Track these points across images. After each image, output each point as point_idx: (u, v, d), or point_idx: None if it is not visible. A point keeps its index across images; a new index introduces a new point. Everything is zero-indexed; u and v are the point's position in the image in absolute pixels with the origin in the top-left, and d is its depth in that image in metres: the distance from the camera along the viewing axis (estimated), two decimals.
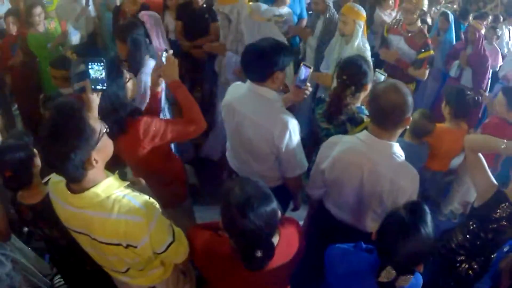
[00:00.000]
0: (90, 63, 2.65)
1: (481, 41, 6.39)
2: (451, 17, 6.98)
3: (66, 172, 2.05)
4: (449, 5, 8.19)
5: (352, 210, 3.00)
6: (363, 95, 3.44)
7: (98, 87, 2.68)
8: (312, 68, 3.32)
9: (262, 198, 2.10)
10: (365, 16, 4.72)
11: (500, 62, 7.40)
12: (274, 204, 2.13)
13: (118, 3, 6.84)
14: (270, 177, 3.31)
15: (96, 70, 2.68)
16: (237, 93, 3.29)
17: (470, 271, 3.25)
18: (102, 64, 2.68)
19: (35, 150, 3.04)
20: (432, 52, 5.50)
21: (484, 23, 7.36)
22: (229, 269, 2.30)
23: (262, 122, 3.08)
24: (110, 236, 2.18)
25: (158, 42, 5.08)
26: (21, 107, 6.74)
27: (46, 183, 2.75)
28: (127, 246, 2.19)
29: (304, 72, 3.30)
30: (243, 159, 3.42)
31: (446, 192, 5.16)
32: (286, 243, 2.29)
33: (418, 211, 2.14)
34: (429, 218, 2.12)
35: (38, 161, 3.00)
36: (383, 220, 2.26)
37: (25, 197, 3.01)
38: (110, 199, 2.14)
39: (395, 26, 5.85)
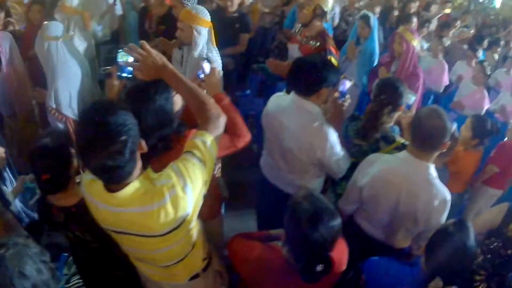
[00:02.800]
0: (120, 50, 2.65)
1: (410, 54, 5.10)
2: (374, 22, 5.84)
3: (118, 169, 1.97)
4: (465, 29, 8.20)
5: (384, 226, 3.10)
6: (397, 115, 3.54)
7: (124, 74, 2.64)
8: (353, 81, 3.43)
9: (331, 213, 2.21)
10: (208, 21, 3.89)
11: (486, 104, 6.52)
12: (340, 220, 2.24)
13: (143, 4, 6.87)
14: (301, 187, 3.34)
15: (125, 58, 2.66)
16: (279, 104, 3.38)
17: None
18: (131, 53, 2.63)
19: (73, 151, 2.75)
20: (333, 59, 4.72)
21: (498, 49, 7.42)
22: (281, 281, 2.36)
23: (303, 134, 3.17)
24: (163, 227, 2.12)
25: None
26: (39, 100, 6.64)
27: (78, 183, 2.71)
28: (182, 222, 2.14)
29: (345, 84, 3.37)
30: (278, 167, 3.51)
31: (460, 212, 5.22)
32: (338, 258, 2.37)
33: (464, 228, 2.43)
34: (472, 234, 2.40)
35: (75, 162, 2.75)
36: (433, 235, 2.53)
37: (58, 199, 2.75)
38: (149, 191, 2.07)
39: (296, 34, 5.45)
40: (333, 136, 3.15)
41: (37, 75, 6.04)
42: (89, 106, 2.03)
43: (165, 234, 2.13)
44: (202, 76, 3.00)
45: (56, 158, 2.60)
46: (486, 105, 6.38)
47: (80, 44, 5.21)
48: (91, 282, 3.00)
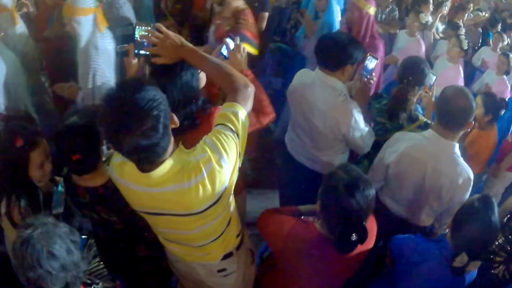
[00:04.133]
0: (137, 27, 2.51)
1: (364, 23, 4.36)
2: None
3: (154, 147, 1.91)
4: (480, 13, 8.12)
5: (409, 204, 3.13)
6: (419, 94, 3.60)
7: (142, 51, 2.53)
8: (379, 60, 3.47)
9: (367, 182, 2.26)
10: (88, 8, 3.66)
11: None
12: (374, 191, 2.28)
13: None
14: (325, 163, 3.45)
15: (143, 35, 2.52)
16: (304, 80, 3.40)
17: (506, 273, 3.38)
18: (149, 28, 2.50)
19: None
20: (247, 45, 3.98)
21: None
22: (314, 254, 2.38)
23: (328, 110, 3.21)
24: (200, 204, 2.09)
25: None
26: (53, 83, 6.50)
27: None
28: (220, 197, 2.11)
29: (371, 62, 3.41)
30: (303, 143, 3.54)
31: (477, 192, 5.18)
32: (371, 230, 2.38)
33: (489, 203, 2.45)
34: (497, 209, 2.44)
35: (103, 141, 2.64)
36: (458, 211, 2.58)
37: (84, 179, 2.66)
38: (185, 168, 2.01)
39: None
40: (358, 112, 3.19)
41: (52, 57, 6.04)
42: (114, 87, 1.95)
43: (204, 211, 2.11)
44: (225, 53, 2.94)
45: (86, 137, 2.49)
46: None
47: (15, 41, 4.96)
48: (113, 264, 3.04)
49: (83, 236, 3.16)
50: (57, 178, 2.86)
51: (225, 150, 2.03)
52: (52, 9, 5.64)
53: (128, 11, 4.68)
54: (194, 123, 2.58)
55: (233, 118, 2.09)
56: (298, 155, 3.67)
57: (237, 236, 2.54)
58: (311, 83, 3.32)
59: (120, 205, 2.48)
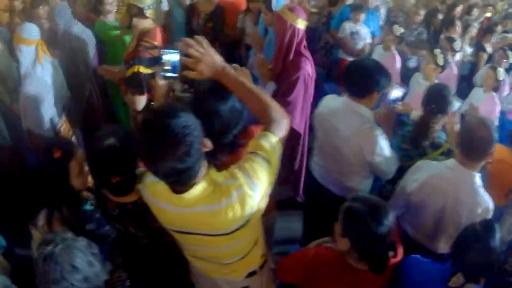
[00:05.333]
0: (164, 50, 2.55)
1: (287, 36, 4.01)
2: (276, 4, 4.81)
3: (187, 171, 1.98)
4: (508, 35, 8.06)
5: (428, 232, 3.18)
6: (443, 121, 3.65)
7: (169, 74, 2.55)
8: (405, 90, 3.51)
9: (384, 204, 2.39)
10: (31, 39, 4.08)
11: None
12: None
13: (189, 1, 6.90)
14: (349, 188, 3.49)
15: (170, 58, 2.55)
16: (331, 105, 3.48)
17: None
18: (176, 52, 2.54)
19: None
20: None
21: None
22: (337, 274, 2.48)
23: (353, 136, 3.28)
24: (230, 224, 2.13)
25: None
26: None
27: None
28: (248, 219, 2.16)
29: (396, 91, 3.49)
30: (328, 168, 3.61)
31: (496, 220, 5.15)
32: (396, 242, 2.51)
33: (490, 228, 2.50)
34: (498, 235, 2.49)
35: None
36: (460, 233, 2.59)
37: (114, 195, 2.70)
38: (216, 190, 2.07)
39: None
40: (383, 139, 3.24)
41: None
42: (150, 112, 2.05)
43: (232, 232, 2.16)
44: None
45: (125, 160, 2.49)
46: None
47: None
48: (136, 276, 3.03)
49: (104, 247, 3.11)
50: (86, 194, 2.92)
51: (257, 177, 2.08)
52: (84, 23, 5.78)
53: None
54: (240, 142, 2.61)
55: (267, 148, 2.14)
56: (323, 179, 3.73)
57: (262, 256, 2.60)
58: (338, 109, 3.40)
59: (148, 222, 2.55)
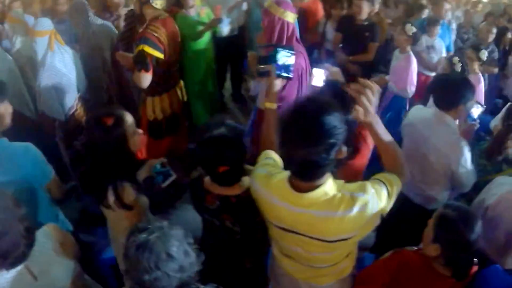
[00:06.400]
0: (279, 49, 2.66)
1: (276, 29, 3.98)
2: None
3: (318, 167, 2.03)
4: None
5: (499, 246, 3.17)
6: None
7: (283, 73, 2.65)
8: (484, 108, 3.67)
9: (473, 213, 2.50)
10: (47, 31, 4.48)
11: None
12: None
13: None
14: (429, 198, 3.64)
15: (284, 57, 2.65)
16: (421, 115, 3.61)
17: None
18: (292, 52, 2.67)
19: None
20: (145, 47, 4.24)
21: None
22: (422, 279, 2.55)
23: (442, 146, 3.39)
24: (335, 234, 2.18)
25: None
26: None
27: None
28: (352, 237, 2.20)
29: (476, 110, 3.62)
30: (412, 176, 3.58)
31: None
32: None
33: None
34: None
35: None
36: None
37: (219, 187, 2.67)
38: (335, 198, 2.11)
39: None
40: (468, 151, 3.33)
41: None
42: (304, 100, 2.05)
43: (334, 242, 2.20)
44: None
45: (235, 150, 2.52)
46: None
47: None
48: (215, 270, 2.93)
49: None
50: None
51: (378, 203, 2.15)
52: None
53: None
54: (354, 149, 2.74)
55: (392, 183, 2.24)
56: (405, 187, 3.65)
57: (351, 267, 2.64)
58: (428, 119, 3.52)
59: (248, 216, 2.63)
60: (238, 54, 7.00)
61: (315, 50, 6.80)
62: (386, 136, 2.29)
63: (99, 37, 5.43)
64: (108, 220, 3.10)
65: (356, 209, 2.09)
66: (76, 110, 4.80)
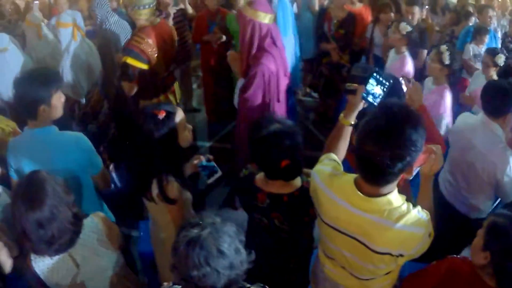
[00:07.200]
0: (373, 74, 2.60)
1: (248, 30, 4.06)
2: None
3: (387, 173, 2.05)
4: None
5: None
6: None
7: (369, 98, 2.59)
8: None
9: None
10: (69, 24, 5.11)
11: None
12: None
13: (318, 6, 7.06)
14: (473, 206, 3.66)
15: (376, 84, 2.61)
16: (468, 122, 3.66)
17: None
18: (386, 84, 2.63)
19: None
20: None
21: None
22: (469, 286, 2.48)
23: (488, 154, 3.41)
24: (385, 245, 2.20)
25: None
26: (206, 85, 6.98)
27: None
28: (399, 255, 2.24)
29: None
30: (457, 184, 3.75)
31: None
32: None
33: None
34: None
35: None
36: None
37: (272, 185, 2.72)
38: (398, 210, 2.15)
39: None
40: None
41: (209, 62, 6.54)
42: (394, 107, 2.07)
43: (379, 253, 2.23)
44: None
45: (295, 143, 2.58)
46: None
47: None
48: (260, 269, 2.87)
49: None
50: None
51: (431, 232, 2.27)
52: (214, 15, 6.25)
53: None
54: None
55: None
56: (450, 195, 3.84)
57: (394, 286, 2.67)
58: (475, 126, 3.54)
59: (297, 215, 2.68)
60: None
61: (363, 55, 6.81)
62: (431, 182, 2.50)
63: (114, 32, 5.95)
64: (149, 214, 3.14)
65: (413, 230, 2.17)
66: (92, 96, 5.34)
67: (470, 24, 6.86)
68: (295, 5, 7.07)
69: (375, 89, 2.62)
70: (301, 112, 7.68)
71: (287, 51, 4.54)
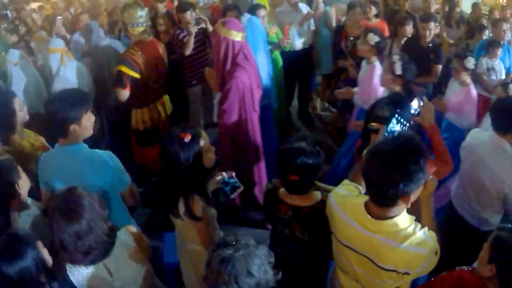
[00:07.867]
0: (395, 115, 2.78)
1: (222, 47, 4.40)
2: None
3: (395, 197, 2.21)
4: None
5: None
6: None
7: (390, 136, 2.72)
8: None
9: None
10: (59, 49, 5.68)
11: None
12: None
13: (335, 23, 7.19)
14: (482, 219, 3.75)
15: (397, 124, 2.78)
16: (479, 138, 3.74)
17: None
18: (405, 124, 2.80)
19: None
20: None
21: None
22: None
23: (496, 169, 3.48)
24: (391, 264, 2.34)
25: None
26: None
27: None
28: (405, 273, 2.35)
29: None
30: (468, 197, 3.82)
31: None
32: None
33: None
34: None
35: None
36: None
37: (293, 198, 2.93)
38: (405, 231, 2.30)
39: None
40: None
41: None
42: (403, 139, 2.26)
43: (387, 270, 2.38)
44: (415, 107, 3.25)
45: (307, 163, 2.76)
46: None
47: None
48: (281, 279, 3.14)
49: None
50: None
51: (436, 253, 2.39)
52: None
53: None
54: None
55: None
56: (461, 208, 3.92)
57: None
58: (485, 142, 3.61)
59: (317, 226, 2.81)
60: (307, 72, 7.34)
61: None
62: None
63: (106, 53, 6.45)
64: (176, 228, 3.30)
65: (420, 250, 2.31)
66: None
67: (484, 37, 6.92)
68: (312, 21, 7.17)
69: (395, 127, 2.80)
70: (320, 126, 7.87)
71: (260, 67, 4.83)
